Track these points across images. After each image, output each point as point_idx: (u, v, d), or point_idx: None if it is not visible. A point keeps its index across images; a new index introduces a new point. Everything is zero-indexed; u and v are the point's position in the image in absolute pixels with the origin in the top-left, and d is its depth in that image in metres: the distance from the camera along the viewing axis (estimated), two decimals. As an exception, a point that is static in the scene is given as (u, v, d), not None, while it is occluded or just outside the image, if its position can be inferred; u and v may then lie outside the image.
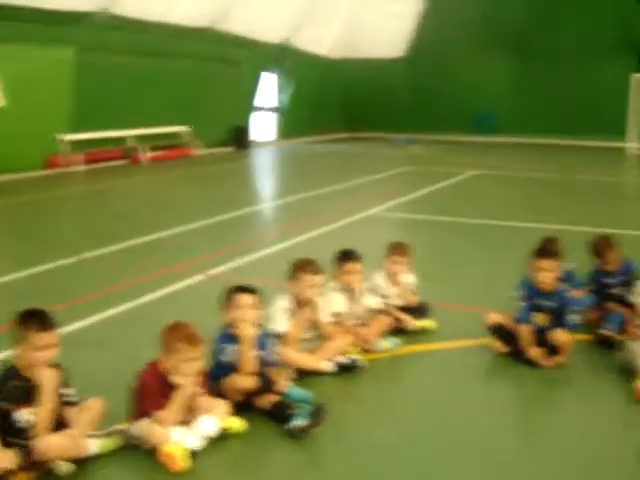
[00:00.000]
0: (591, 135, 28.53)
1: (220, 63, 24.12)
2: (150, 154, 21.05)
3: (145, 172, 19.34)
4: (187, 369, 4.33)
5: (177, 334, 4.36)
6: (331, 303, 5.85)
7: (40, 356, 4.03)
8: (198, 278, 8.16)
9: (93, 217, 12.75)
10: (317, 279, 5.48)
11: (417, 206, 13.74)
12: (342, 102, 32.08)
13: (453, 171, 18.71)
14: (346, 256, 6.03)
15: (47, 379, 4.06)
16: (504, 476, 4.11)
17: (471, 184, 16.91)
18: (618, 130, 26.88)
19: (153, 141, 21.58)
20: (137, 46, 20.53)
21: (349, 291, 6.03)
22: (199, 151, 23.19)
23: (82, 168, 18.66)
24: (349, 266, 5.96)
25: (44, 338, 4.02)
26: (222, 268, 8.58)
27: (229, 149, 25.10)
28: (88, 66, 18.63)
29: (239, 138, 25.76)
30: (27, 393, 4.02)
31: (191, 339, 4.35)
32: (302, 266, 5.52)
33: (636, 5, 27.39)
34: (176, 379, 4.32)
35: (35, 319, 4.07)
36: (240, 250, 9.54)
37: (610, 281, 6.68)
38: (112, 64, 19.73)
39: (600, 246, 6.73)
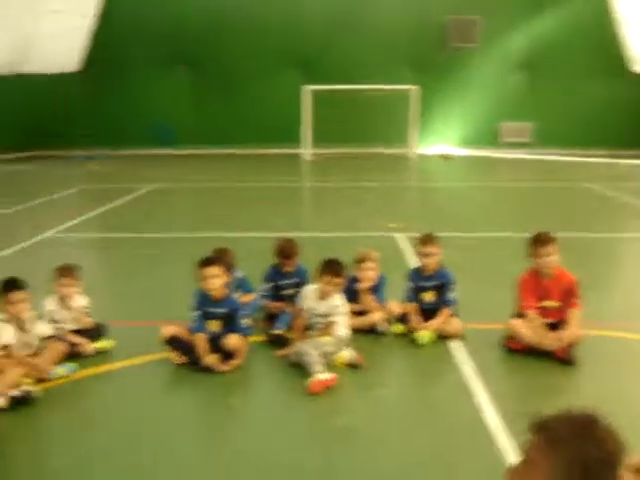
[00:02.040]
0: (269, 144, 29.97)
1: None
2: None
3: None
4: None
5: None
6: (-1, 336, 5.58)
7: None
8: None
9: None
10: None
11: (97, 224, 13.48)
12: (17, 120, 30.32)
13: (132, 186, 18.57)
14: (8, 286, 5.75)
15: None
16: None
17: (150, 198, 16.91)
18: (293, 138, 28.56)
19: None
20: None
21: (17, 321, 5.77)
22: None
23: None
24: (13, 296, 5.70)
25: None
26: None
27: None
28: None
29: None
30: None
31: None
32: None
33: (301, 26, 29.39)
34: None
35: None
36: None
37: (285, 282, 7.08)
38: None
39: (286, 248, 7.08)
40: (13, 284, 5.78)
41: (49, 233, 12.14)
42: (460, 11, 29.93)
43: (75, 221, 13.48)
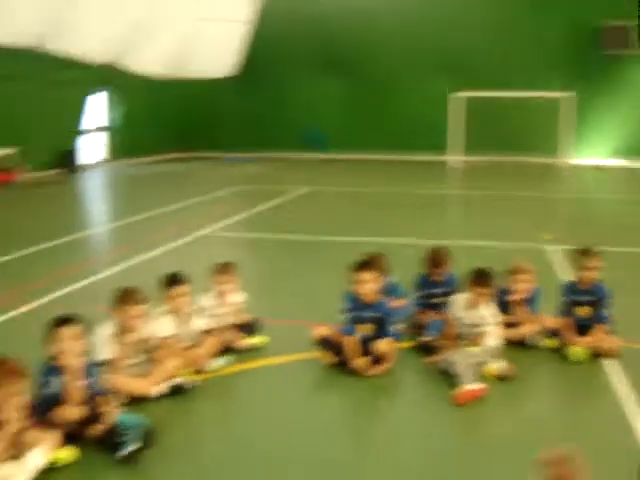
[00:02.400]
0: (416, 150, 29.86)
1: (47, 83, 23.19)
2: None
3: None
4: (11, 404, 4.23)
5: None
6: (160, 327, 5.89)
7: None
8: (23, 309, 7.85)
9: None
10: (140, 309, 5.49)
11: (250, 224, 13.92)
12: (175, 121, 31.72)
13: (286, 188, 19.05)
14: (173, 280, 6.06)
15: None
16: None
17: (302, 201, 17.29)
18: (440, 145, 28.37)
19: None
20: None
21: (178, 314, 6.07)
22: (26, 175, 22.07)
23: None
24: (176, 290, 6.00)
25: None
26: (50, 296, 8.31)
27: (57, 172, 24.09)
28: None
29: (67, 161, 24.89)
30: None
31: (13, 373, 4.25)
32: (124, 297, 5.50)
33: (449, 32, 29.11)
34: (1, 415, 4.21)
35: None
36: (72, 276, 9.28)
37: (435, 291, 7.04)
38: None
39: (437, 257, 7.06)
40: (176, 278, 6.08)
41: (206, 231, 12.67)
42: (617, 16, 28.66)
43: (233, 220, 14.00)
